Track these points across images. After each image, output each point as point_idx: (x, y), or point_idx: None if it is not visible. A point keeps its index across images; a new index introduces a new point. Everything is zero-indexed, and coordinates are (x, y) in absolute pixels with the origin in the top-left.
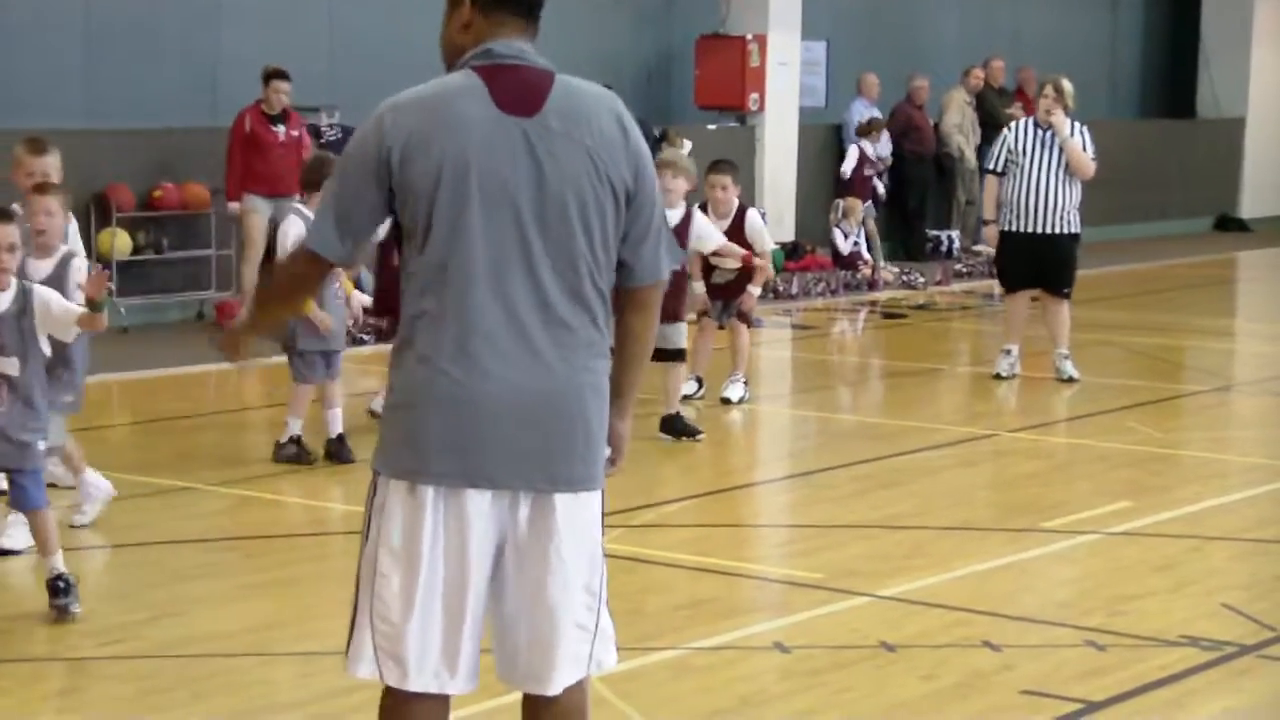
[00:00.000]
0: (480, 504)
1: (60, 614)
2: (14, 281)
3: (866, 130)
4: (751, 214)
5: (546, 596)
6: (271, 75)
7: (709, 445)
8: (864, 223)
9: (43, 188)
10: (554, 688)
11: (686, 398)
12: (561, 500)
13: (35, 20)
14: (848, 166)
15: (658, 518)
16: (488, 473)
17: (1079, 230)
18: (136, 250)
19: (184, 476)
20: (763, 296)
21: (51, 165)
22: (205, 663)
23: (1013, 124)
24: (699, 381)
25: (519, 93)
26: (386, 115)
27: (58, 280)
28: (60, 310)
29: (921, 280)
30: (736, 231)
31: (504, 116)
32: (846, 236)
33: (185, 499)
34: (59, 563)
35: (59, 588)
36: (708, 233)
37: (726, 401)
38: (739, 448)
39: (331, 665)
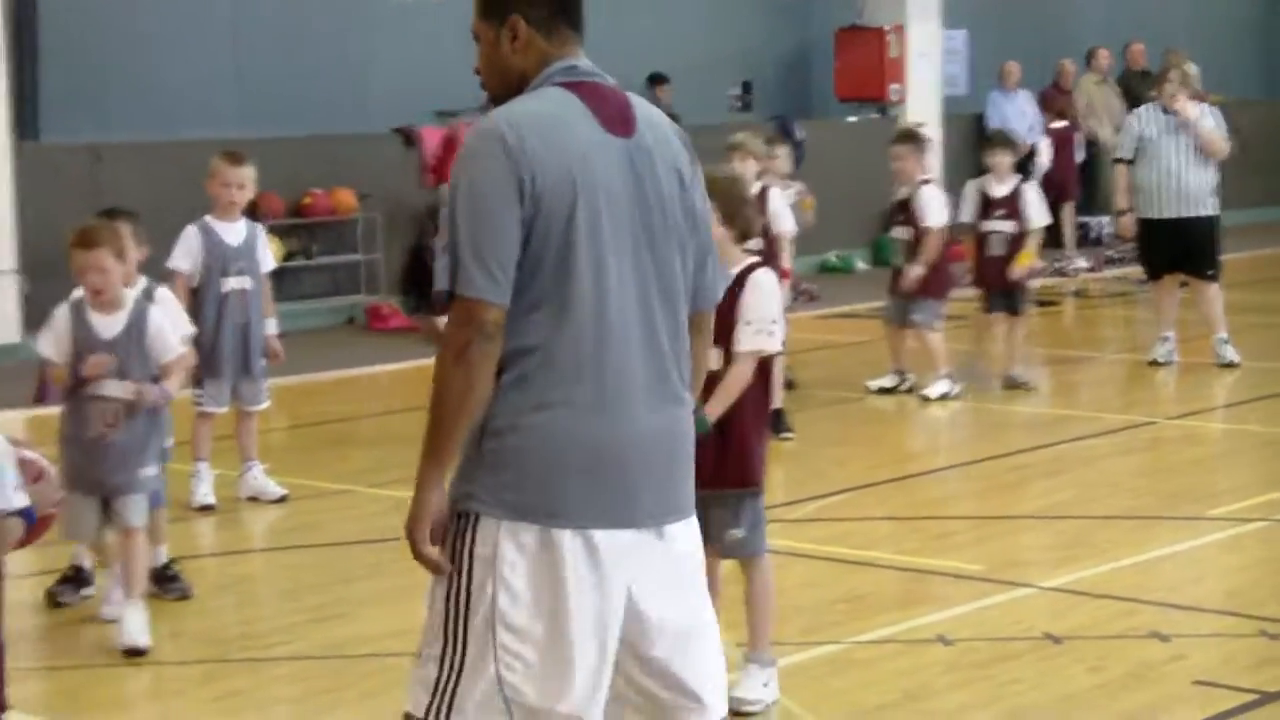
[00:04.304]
0: (616, 543)
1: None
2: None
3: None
4: (926, 189)
5: (703, 620)
6: None
7: (866, 438)
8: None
9: (87, 239)
10: (722, 707)
11: (887, 391)
12: (681, 526)
13: (186, 29)
14: (1046, 157)
15: (816, 511)
16: (627, 513)
17: (1217, 212)
18: (287, 256)
19: (341, 479)
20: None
21: (248, 176)
22: (373, 662)
23: (1138, 111)
24: (899, 375)
25: (614, 112)
26: (509, 136)
27: (129, 335)
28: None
29: (1073, 267)
30: (909, 205)
31: (612, 139)
32: None
33: (345, 501)
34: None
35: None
36: (783, 212)
37: (925, 399)
38: (895, 440)
39: None
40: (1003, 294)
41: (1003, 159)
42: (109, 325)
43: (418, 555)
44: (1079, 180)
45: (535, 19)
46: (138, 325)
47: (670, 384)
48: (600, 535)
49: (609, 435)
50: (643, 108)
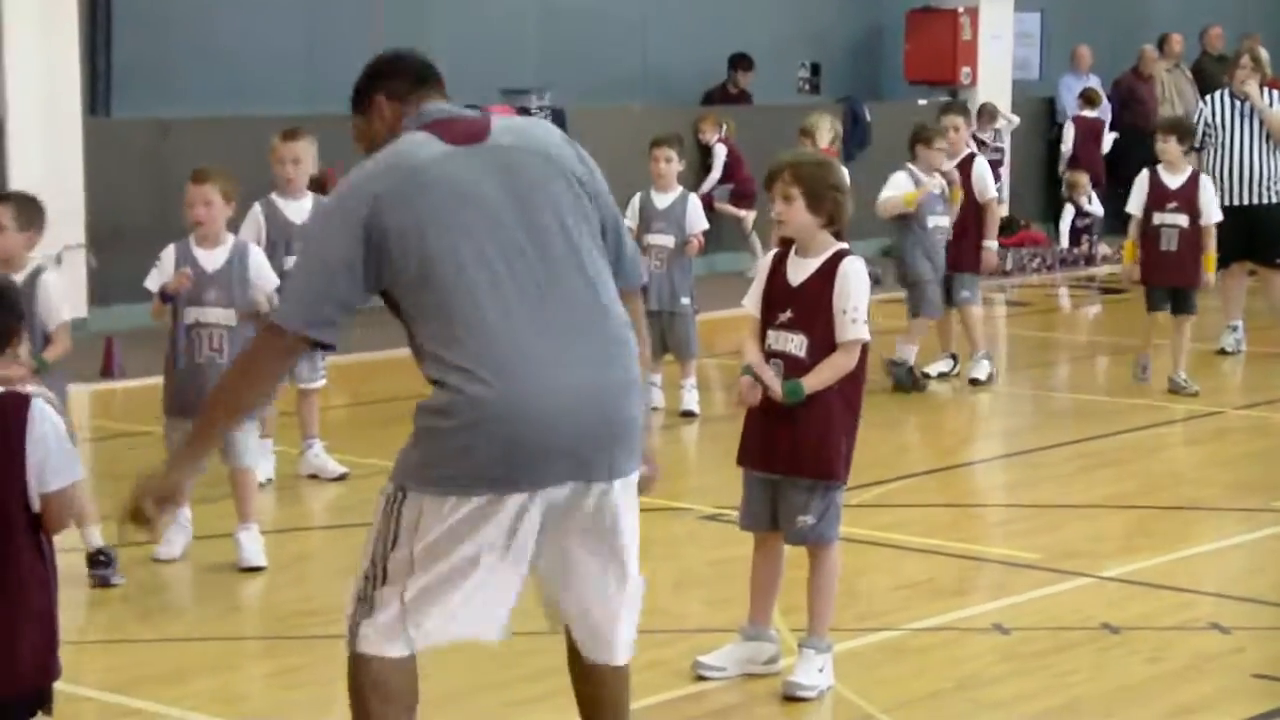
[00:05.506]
0: (526, 504)
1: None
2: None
3: (1089, 100)
4: (980, 160)
5: (626, 575)
6: None
7: (928, 425)
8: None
9: (200, 175)
10: (624, 655)
11: (942, 375)
12: (620, 484)
13: (256, 5)
14: (1070, 145)
15: (874, 497)
16: (537, 477)
17: None
18: None
19: None
20: None
21: (303, 151)
22: None
23: (1208, 97)
24: (954, 359)
25: (466, 131)
26: (355, 187)
27: (230, 267)
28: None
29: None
30: (962, 175)
31: (458, 149)
32: (1079, 211)
33: None
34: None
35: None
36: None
37: (975, 382)
38: (956, 426)
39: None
40: (1173, 292)
41: (1172, 145)
42: (212, 259)
43: (134, 509)
44: (1105, 170)
45: (395, 92)
46: (239, 259)
47: (592, 349)
48: (511, 498)
49: (513, 415)
50: (506, 121)
